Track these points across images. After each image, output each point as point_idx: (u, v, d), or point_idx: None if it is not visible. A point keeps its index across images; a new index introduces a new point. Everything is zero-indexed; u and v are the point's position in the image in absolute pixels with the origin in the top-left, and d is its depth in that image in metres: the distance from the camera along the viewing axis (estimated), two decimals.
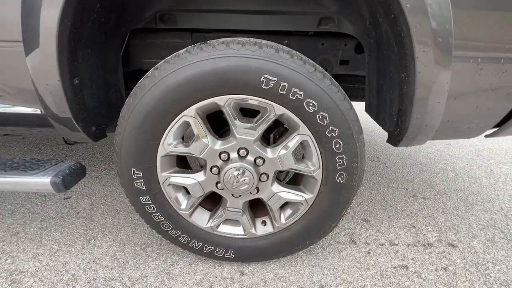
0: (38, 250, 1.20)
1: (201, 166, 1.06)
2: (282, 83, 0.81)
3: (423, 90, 0.83)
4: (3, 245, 1.23)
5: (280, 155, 0.93)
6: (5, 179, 0.93)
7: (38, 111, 0.96)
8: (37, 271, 1.10)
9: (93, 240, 1.27)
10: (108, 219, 1.41)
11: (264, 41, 0.87)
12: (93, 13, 0.89)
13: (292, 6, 1.12)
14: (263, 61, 0.80)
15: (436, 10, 0.74)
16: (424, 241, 1.30)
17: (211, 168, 0.97)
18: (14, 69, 0.87)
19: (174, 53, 0.86)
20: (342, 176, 0.94)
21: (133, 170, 0.95)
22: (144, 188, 0.98)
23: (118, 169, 0.97)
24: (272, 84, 0.82)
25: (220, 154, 0.94)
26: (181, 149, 0.94)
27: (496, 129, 1.01)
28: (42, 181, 0.91)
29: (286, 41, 1.28)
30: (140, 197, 1.00)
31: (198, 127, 0.90)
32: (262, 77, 0.81)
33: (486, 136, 1.06)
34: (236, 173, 0.94)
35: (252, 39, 0.86)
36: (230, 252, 1.10)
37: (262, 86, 0.82)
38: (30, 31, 0.79)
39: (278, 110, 0.86)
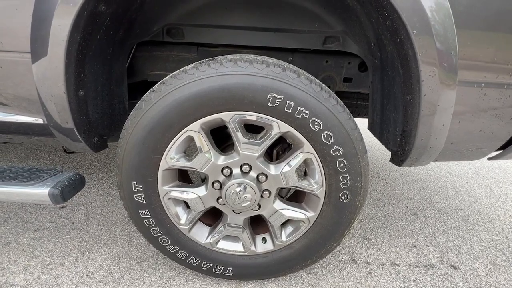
0: (30, 262, 1.16)
1: (202, 180, 1.05)
2: (288, 102, 0.82)
3: (428, 112, 0.84)
4: None
5: (284, 172, 0.92)
6: (1, 189, 0.91)
7: (41, 121, 0.95)
8: (27, 284, 1.06)
9: (87, 252, 1.23)
10: (104, 230, 1.38)
11: (271, 60, 0.87)
12: (102, 26, 0.90)
13: (298, 25, 1.14)
14: (270, 80, 0.81)
15: (442, 37, 0.75)
16: (426, 262, 1.28)
17: (212, 183, 0.95)
18: (21, 79, 0.87)
19: (182, 69, 0.86)
20: (345, 195, 0.93)
21: (134, 183, 0.93)
22: (144, 202, 0.96)
23: (119, 181, 0.95)
24: (278, 102, 0.82)
25: (222, 169, 0.93)
26: (184, 163, 0.93)
27: (499, 152, 1.01)
28: (39, 192, 0.89)
29: (291, 58, 1.29)
30: (139, 211, 0.98)
31: (201, 141, 0.90)
32: (269, 95, 0.81)
33: (489, 158, 1.06)
34: (238, 189, 0.93)
35: (259, 57, 0.86)
36: (229, 269, 1.07)
37: (268, 104, 0.82)
38: (39, 42, 0.80)
39: (283, 127, 0.86)
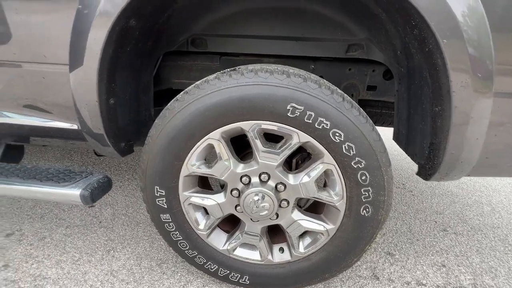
0: (61, 257, 1.25)
1: (222, 187, 1.06)
2: (308, 112, 0.81)
3: (460, 125, 0.79)
4: (31, 249, 1.29)
5: (303, 182, 0.91)
6: (40, 189, 0.99)
7: (75, 127, 1.03)
8: (58, 278, 1.14)
9: (112, 251, 1.30)
10: (128, 230, 1.44)
11: (292, 70, 0.87)
12: (132, 39, 0.96)
13: (320, 33, 1.13)
14: (291, 90, 0.81)
15: (476, 44, 0.71)
16: (456, 284, 1.19)
17: (231, 191, 0.97)
18: (60, 89, 0.95)
19: (204, 79, 0.89)
20: (367, 209, 0.89)
21: (157, 188, 0.97)
22: (166, 206, 0.99)
23: (142, 185, 1.00)
24: (298, 113, 0.81)
25: (241, 177, 0.94)
26: (204, 170, 0.95)
27: None
28: (72, 193, 0.96)
29: (313, 66, 1.28)
30: (161, 215, 1.01)
31: (221, 149, 0.91)
32: (289, 106, 0.81)
33: None
34: (256, 197, 0.93)
35: (280, 67, 0.87)
36: (245, 277, 1.07)
37: (288, 114, 0.82)
38: (77, 55, 0.87)
39: (303, 138, 0.85)
